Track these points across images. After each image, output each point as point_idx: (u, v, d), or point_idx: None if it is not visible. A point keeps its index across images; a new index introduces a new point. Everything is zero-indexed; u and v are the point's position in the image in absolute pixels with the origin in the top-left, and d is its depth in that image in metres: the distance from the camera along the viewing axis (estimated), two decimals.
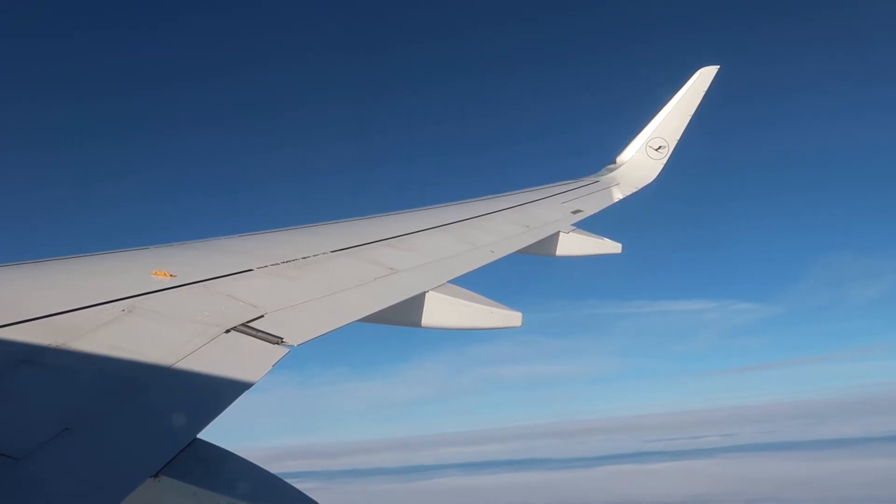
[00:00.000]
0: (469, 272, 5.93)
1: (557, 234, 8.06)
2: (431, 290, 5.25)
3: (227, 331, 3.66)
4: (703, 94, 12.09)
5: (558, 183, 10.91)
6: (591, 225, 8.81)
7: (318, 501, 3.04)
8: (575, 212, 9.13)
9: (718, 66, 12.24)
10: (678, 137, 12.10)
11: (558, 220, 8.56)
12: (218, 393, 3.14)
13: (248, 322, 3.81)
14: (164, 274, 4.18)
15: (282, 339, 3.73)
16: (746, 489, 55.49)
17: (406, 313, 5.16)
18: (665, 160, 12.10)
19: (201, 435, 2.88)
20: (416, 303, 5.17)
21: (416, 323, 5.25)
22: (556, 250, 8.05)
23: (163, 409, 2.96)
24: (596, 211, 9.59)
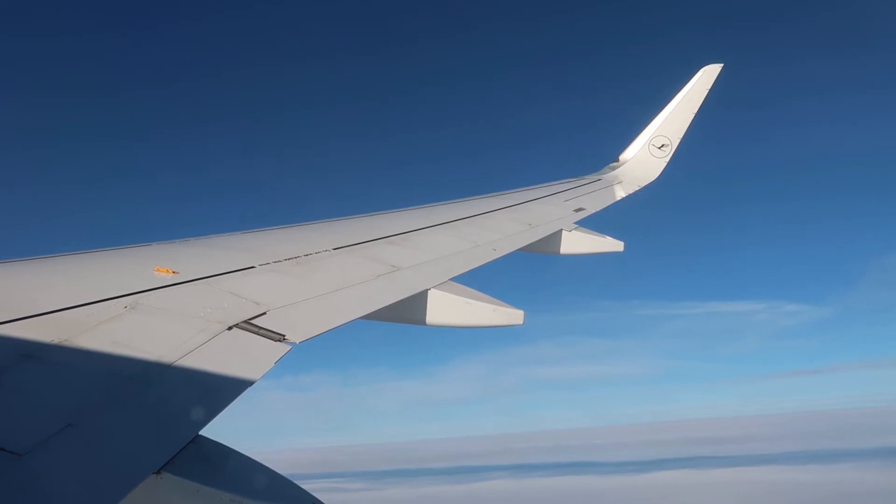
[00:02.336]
0: (471, 270, 5.92)
1: (560, 232, 8.05)
2: (433, 287, 5.25)
3: (230, 328, 3.67)
4: (706, 92, 12.07)
5: (561, 181, 10.91)
6: (594, 223, 8.81)
7: (324, 501, 3.04)
8: (577, 210, 9.13)
9: (722, 65, 12.23)
10: (681, 135, 12.09)
11: (561, 217, 8.55)
12: (220, 390, 3.15)
13: (250, 319, 3.81)
14: (167, 271, 4.19)
15: (284, 336, 3.73)
16: (801, 499, 54.14)
17: (408, 311, 5.16)
18: (668, 158, 12.09)
19: (206, 432, 2.89)
20: (419, 300, 5.17)
21: (419, 321, 5.25)
22: (558, 248, 8.04)
23: (165, 406, 2.97)
24: (599, 209, 9.58)
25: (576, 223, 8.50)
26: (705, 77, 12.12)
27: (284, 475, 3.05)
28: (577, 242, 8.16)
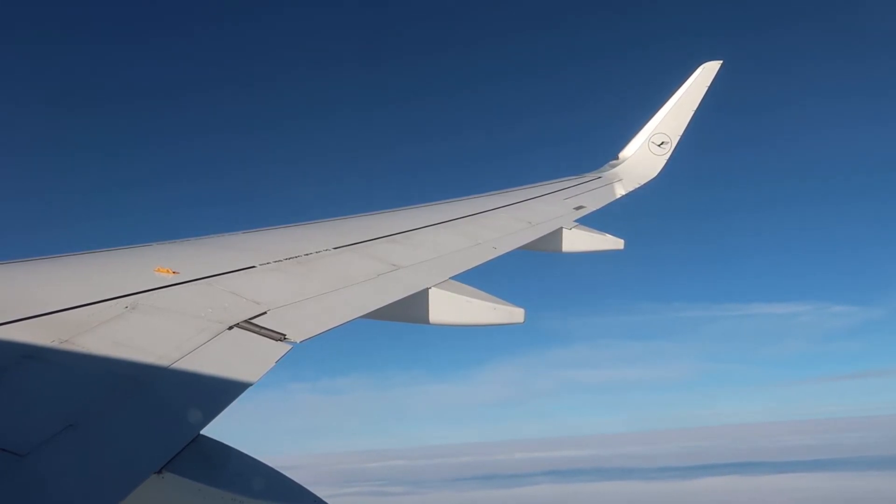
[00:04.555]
0: (472, 268, 5.92)
1: (560, 230, 8.05)
2: (434, 286, 5.25)
3: (230, 327, 3.67)
4: (705, 89, 12.07)
5: (561, 179, 10.91)
6: (595, 221, 8.81)
7: (326, 500, 3.04)
8: (578, 208, 9.12)
9: (721, 62, 12.22)
10: (681, 133, 12.09)
11: (561, 216, 8.55)
12: (221, 389, 3.15)
13: (251, 319, 3.81)
14: (167, 271, 4.19)
15: (284, 335, 3.73)
16: None
17: (409, 310, 5.16)
18: (668, 156, 12.09)
19: (209, 432, 2.89)
20: (419, 299, 5.17)
21: (420, 319, 5.25)
22: (558, 246, 8.05)
23: (166, 406, 2.97)
24: (599, 207, 9.58)
25: (576, 221, 8.50)
26: (704, 74, 12.12)
27: (286, 475, 3.06)
28: (577, 240, 8.16)
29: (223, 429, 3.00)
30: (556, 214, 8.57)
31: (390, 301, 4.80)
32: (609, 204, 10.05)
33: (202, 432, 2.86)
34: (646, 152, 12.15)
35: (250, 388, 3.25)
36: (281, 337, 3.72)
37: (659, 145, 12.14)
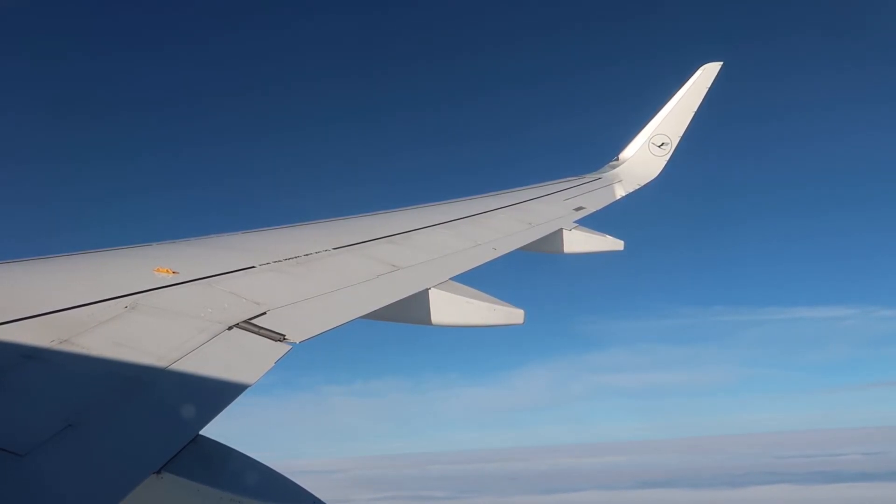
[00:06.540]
0: (471, 269, 5.93)
1: (560, 231, 8.06)
2: (434, 287, 5.26)
3: (230, 328, 3.67)
4: (706, 90, 12.10)
5: (561, 180, 10.92)
6: (595, 222, 8.82)
7: (324, 500, 3.04)
8: (577, 209, 9.14)
9: (721, 63, 12.25)
10: (681, 134, 12.11)
11: (561, 217, 8.57)
12: (220, 390, 3.15)
13: (250, 319, 3.81)
14: (167, 271, 4.19)
15: (284, 336, 3.74)
16: None
17: (409, 310, 5.16)
18: (668, 157, 12.11)
19: (208, 432, 2.89)
20: (419, 300, 5.18)
21: (419, 320, 5.26)
22: (558, 247, 8.06)
23: (165, 406, 2.97)
24: (599, 208, 9.60)
25: (576, 222, 8.51)
26: (705, 75, 12.15)
27: (285, 475, 3.06)
28: (577, 241, 8.17)
29: (223, 430, 3.00)
30: (556, 215, 8.58)
31: (390, 302, 4.80)
32: (609, 205, 10.07)
33: (201, 433, 2.87)
34: (646, 153, 12.17)
35: (251, 388, 3.25)
36: (280, 337, 3.72)
37: (659, 146, 12.16)
